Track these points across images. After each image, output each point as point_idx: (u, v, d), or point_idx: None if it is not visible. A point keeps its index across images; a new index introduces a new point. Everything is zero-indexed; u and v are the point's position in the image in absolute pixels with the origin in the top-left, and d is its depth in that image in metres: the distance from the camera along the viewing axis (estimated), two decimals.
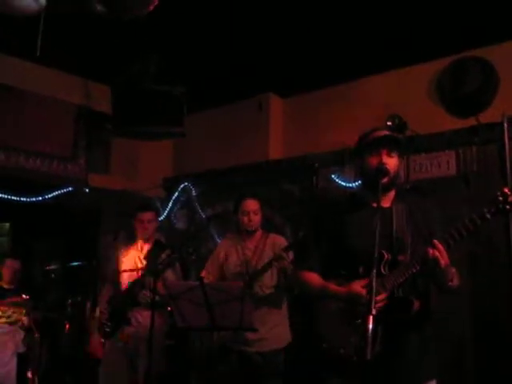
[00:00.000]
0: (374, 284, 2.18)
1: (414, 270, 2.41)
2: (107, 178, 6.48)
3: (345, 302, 2.47)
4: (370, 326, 2.05)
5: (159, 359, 4.45)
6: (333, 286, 2.55)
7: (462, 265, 3.63)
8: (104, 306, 4.58)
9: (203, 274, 4.31)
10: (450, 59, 5.33)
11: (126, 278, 4.54)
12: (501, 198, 2.32)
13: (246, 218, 4.30)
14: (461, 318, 4.70)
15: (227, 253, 4.38)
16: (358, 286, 2.42)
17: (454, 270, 2.44)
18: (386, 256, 2.47)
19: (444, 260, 2.34)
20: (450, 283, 2.45)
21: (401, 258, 2.50)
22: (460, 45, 5.13)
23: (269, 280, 4.21)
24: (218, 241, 5.88)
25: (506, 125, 4.36)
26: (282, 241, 4.34)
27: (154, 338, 3.98)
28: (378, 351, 2.32)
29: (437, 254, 2.32)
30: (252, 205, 4.30)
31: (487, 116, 4.96)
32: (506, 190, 2.32)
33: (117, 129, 5.37)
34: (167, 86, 5.25)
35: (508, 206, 2.29)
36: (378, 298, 2.36)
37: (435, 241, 2.33)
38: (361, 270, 2.49)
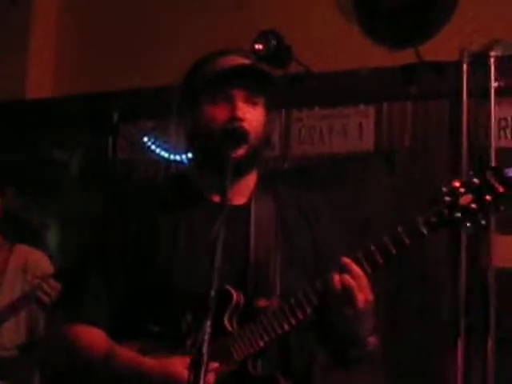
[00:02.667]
0: (204, 351, 1.60)
1: (288, 327, 1.93)
2: None
3: None
4: None
5: None
6: (130, 354, 2.01)
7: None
8: None
9: None
10: None
11: None
12: (448, 199, 1.89)
13: None
14: None
15: None
16: (178, 364, 1.92)
17: (372, 319, 2.01)
18: (234, 297, 2.01)
19: (363, 294, 1.88)
20: (368, 340, 2.01)
21: (261, 302, 2.03)
22: None
23: (12, 334, 3.57)
24: None
25: (465, 65, 3.70)
26: (41, 260, 3.67)
27: None
28: None
29: (351, 282, 1.87)
30: None
31: (434, 49, 3.96)
32: (458, 185, 1.89)
33: None
34: None
35: (459, 214, 1.87)
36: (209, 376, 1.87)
37: (345, 259, 1.90)
38: (186, 321, 2.00)
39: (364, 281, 1.92)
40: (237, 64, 2.07)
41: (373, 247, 1.94)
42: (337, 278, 1.91)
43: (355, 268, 1.91)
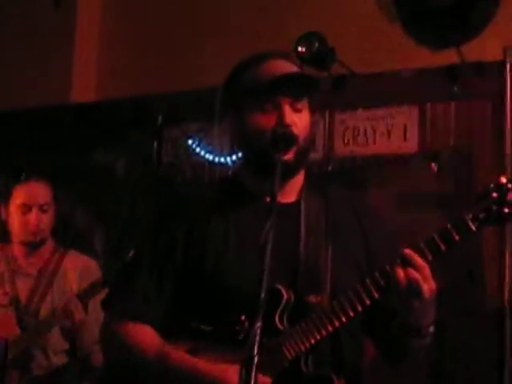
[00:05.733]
0: (255, 352, 1.63)
1: (338, 324, 1.96)
2: None
3: None
4: None
5: None
6: (180, 355, 2.05)
7: None
8: None
9: None
10: None
11: None
12: (495, 195, 1.92)
13: (23, 218, 3.52)
14: None
15: None
16: (232, 372, 1.91)
17: (434, 308, 2.04)
18: (284, 296, 2.04)
19: (428, 284, 1.90)
20: (429, 329, 2.02)
21: (312, 298, 2.07)
22: None
23: (59, 340, 3.50)
24: None
25: (508, 65, 3.65)
26: (92, 265, 3.68)
27: None
28: None
29: (415, 275, 1.88)
30: (38, 193, 3.56)
31: (477, 49, 3.94)
32: (504, 181, 1.93)
33: None
34: None
35: (507, 209, 1.91)
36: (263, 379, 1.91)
37: (407, 251, 1.91)
38: (243, 321, 2.02)
39: (427, 271, 1.93)
40: (283, 73, 2.09)
41: (423, 243, 1.94)
42: (401, 273, 1.92)
43: (418, 259, 1.93)
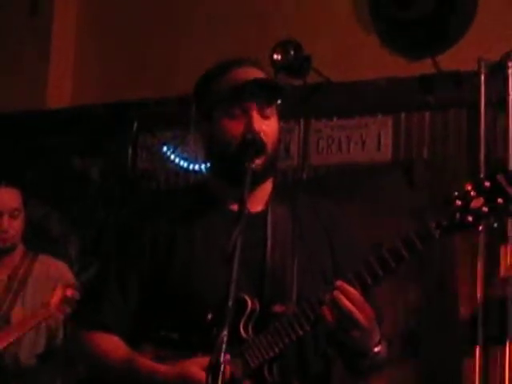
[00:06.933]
0: (222, 359, 1.64)
1: (302, 333, 1.95)
2: None
3: None
4: None
5: None
6: (147, 362, 2.04)
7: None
8: None
9: None
10: None
11: None
12: (459, 202, 1.89)
13: None
14: None
15: None
16: (195, 366, 1.93)
17: (377, 328, 1.99)
18: (249, 305, 2.02)
19: (364, 313, 1.89)
20: (376, 350, 2.00)
21: (278, 308, 2.05)
22: None
23: (31, 345, 3.54)
24: None
25: (482, 76, 3.74)
26: (63, 270, 3.69)
27: None
28: None
29: (347, 305, 1.88)
30: (7, 199, 3.58)
31: (452, 59, 4.01)
32: (469, 188, 1.90)
33: None
34: None
35: (470, 218, 1.87)
36: None
37: (340, 282, 1.90)
38: (204, 327, 1.99)
39: (361, 300, 1.93)
40: (251, 79, 2.10)
41: (373, 260, 1.95)
42: (327, 312, 1.92)
43: (350, 290, 1.93)
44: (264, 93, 2.10)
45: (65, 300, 3.36)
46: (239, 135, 2.07)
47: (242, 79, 2.09)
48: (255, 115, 2.08)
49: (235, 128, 2.09)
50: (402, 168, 4.00)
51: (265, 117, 2.11)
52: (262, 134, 2.07)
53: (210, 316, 2.05)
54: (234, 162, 2.05)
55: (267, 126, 2.10)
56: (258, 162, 2.05)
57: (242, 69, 2.14)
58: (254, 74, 2.12)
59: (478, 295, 3.56)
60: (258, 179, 2.09)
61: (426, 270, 3.53)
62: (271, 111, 2.12)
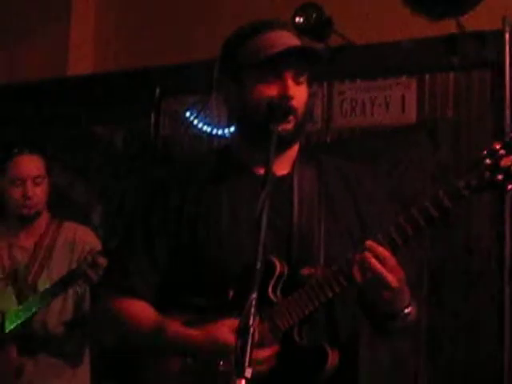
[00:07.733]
0: (251, 322, 1.58)
1: (331, 294, 1.95)
2: None
3: (198, 355, 2.00)
4: None
5: None
6: (176, 327, 2.03)
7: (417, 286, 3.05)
8: None
9: None
10: None
11: None
12: (488, 162, 1.85)
13: (17, 191, 3.47)
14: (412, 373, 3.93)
15: None
16: (223, 329, 1.93)
17: (407, 290, 1.99)
18: (278, 268, 2.01)
19: (394, 274, 1.86)
20: (405, 312, 1.99)
21: (305, 271, 2.03)
22: None
23: (58, 312, 3.47)
24: None
25: (507, 35, 3.66)
26: (89, 236, 3.65)
27: None
28: None
29: (377, 266, 1.85)
30: (30, 166, 3.50)
31: (476, 19, 3.89)
32: (498, 147, 1.85)
33: None
34: None
35: (500, 176, 1.84)
36: (261, 351, 1.89)
37: (369, 242, 1.88)
38: (230, 294, 2.02)
39: (392, 261, 1.93)
40: (290, 46, 2.08)
41: (402, 220, 1.93)
42: (357, 272, 1.92)
43: (381, 250, 1.92)
44: (301, 60, 2.08)
45: (93, 266, 3.37)
46: (271, 98, 2.07)
47: (276, 44, 2.06)
48: (290, 81, 2.08)
49: (268, 92, 2.08)
50: (426, 129, 3.97)
51: (298, 83, 2.10)
52: (294, 99, 2.07)
53: (231, 293, 2.07)
54: (264, 125, 2.03)
55: (299, 92, 2.10)
56: (288, 126, 2.06)
57: (275, 32, 2.12)
58: (288, 38, 2.11)
59: (506, 254, 3.54)
60: (286, 143, 2.10)
61: (452, 229, 3.52)
62: (304, 77, 2.12)
